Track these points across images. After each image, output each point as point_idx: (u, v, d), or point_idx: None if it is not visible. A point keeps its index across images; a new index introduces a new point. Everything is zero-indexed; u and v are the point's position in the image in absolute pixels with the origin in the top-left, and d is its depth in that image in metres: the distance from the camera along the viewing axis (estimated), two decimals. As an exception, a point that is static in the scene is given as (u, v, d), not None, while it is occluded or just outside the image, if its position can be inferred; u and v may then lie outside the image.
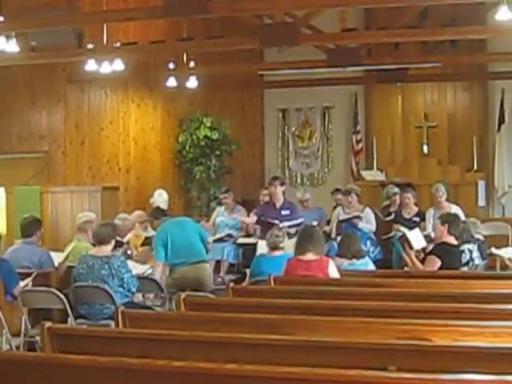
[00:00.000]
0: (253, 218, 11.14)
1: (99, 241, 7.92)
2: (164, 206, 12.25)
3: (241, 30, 12.91)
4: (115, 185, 13.42)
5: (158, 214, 9.72)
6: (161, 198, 13.35)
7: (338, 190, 12.60)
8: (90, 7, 12.23)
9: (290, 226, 10.17)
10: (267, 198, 11.66)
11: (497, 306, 5.53)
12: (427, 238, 9.96)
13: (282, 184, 10.87)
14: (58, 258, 8.71)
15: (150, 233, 10.56)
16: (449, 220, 8.43)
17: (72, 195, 12.41)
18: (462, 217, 10.33)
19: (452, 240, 8.28)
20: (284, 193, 10.99)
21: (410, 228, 10.11)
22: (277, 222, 10.31)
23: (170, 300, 8.37)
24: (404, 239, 8.81)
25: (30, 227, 8.65)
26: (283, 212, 10.62)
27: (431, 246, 8.87)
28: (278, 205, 10.71)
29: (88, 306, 7.70)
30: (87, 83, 13.58)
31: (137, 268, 8.50)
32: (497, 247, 10.19)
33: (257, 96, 17.80)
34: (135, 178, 14.58)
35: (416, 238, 8.74)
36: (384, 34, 12.13)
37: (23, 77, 13.47)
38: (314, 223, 10.87)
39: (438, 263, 8.05)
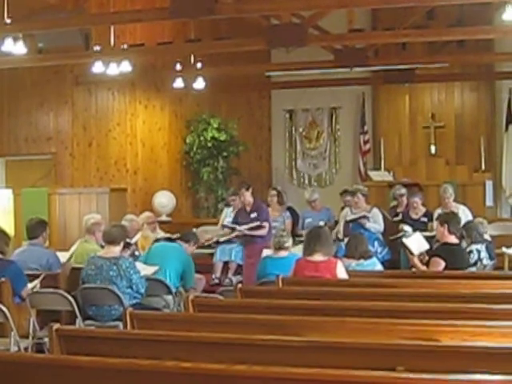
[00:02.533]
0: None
1: (109, 240, 7.92)
2: (161, 208, 12.18)
3: (248, 31, 12.88)
4: (123, 186, 13.42)
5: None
6: (158, 200, 13.30)
7: (346, 192, 12.54)
8: (96, 9, 12.28)
9: (247, 229, 10.79)
10: (275, 199, 12.05)
11: (505, 306, 5.53)
12: (434, 238, 9.94)
13: (248, 189, 11.11)
14: (63, 258, 8.75)
15: (160, 234, 10.56)
16: (447, 219, 8.33)
17: (80, 197, 12.40)
18: (470, 217, 10.32)
19: (453, 239, 8.18)
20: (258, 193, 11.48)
21: (417, 229, 10.08)
22: (235, 226, 11.07)
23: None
24: (404, 246, 8.78)
25: (35, 229, 8.64)
26: (252, 215, 10.98)
27: (437, 247, 8.84)
28: (248, 209, 11.07)
29: (96, 308, 7.71)
30: (94, 85, 13.62)
31: (145, 269, 8.50)
32: (508, 247, 10.18)
33: (264, 97, 17.79)
34: (143, 180, 14.59)
35: (416, 243, 8.62)
36: (391, 35, 12.13)
37: (30, 78, 13.51)
38: (321, 223, 10.89)
39: (442, 264, 7.98)
